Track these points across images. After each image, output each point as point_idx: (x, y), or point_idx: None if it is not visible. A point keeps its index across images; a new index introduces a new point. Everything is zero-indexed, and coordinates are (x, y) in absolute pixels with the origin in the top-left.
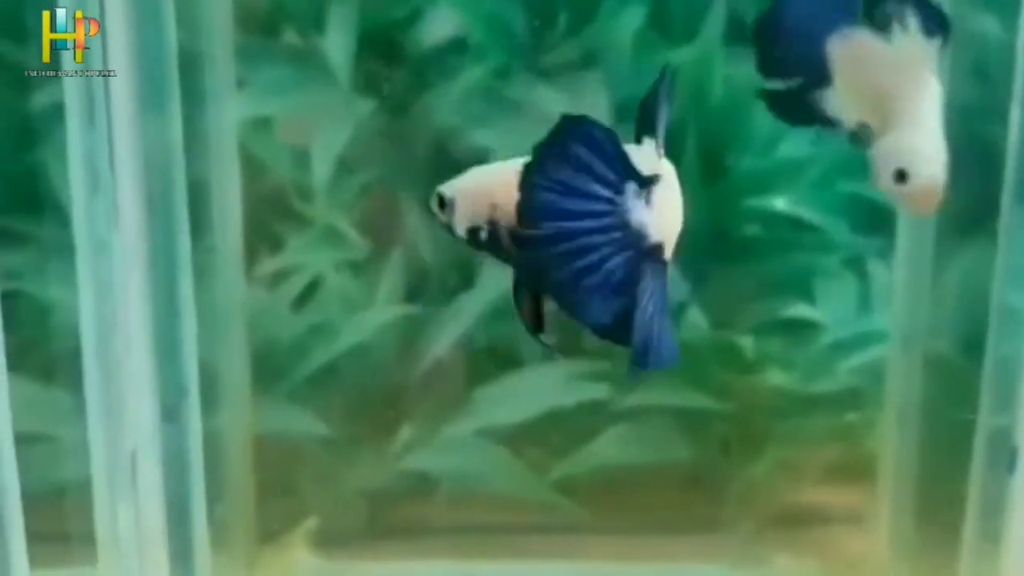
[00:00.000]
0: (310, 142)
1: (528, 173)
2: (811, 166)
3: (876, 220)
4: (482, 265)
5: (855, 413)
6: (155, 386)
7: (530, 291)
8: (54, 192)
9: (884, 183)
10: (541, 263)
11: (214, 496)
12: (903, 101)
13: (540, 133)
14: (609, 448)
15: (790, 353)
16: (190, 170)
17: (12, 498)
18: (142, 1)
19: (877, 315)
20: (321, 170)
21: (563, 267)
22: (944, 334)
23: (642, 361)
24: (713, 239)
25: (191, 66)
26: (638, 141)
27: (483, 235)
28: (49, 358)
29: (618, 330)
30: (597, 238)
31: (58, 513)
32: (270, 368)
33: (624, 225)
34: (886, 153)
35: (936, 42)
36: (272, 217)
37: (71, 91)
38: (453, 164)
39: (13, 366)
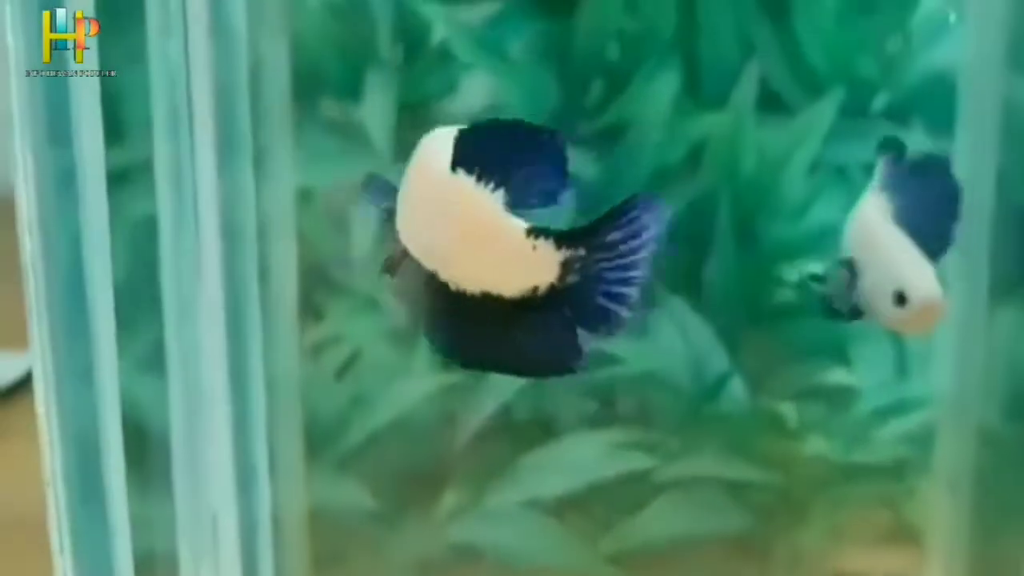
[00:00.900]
0: (350, 212)
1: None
2: (843, 231)
3: None
4: None
5: (901, 480)
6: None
7: None
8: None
9: (883, 312)
10: None
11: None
12: (882, 236)
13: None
14: (655, 518)
15: (831, 420)
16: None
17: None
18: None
19: (916, 380)
20: (361, 239)
21: None
22: (995, 399)
23: None
24: (749, 306)
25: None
26: None
27: None
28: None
29: None
30: None
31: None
32: (318, 439)
33: None
34: (880, 281)
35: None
36: (314, 287)
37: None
38: None
39: None
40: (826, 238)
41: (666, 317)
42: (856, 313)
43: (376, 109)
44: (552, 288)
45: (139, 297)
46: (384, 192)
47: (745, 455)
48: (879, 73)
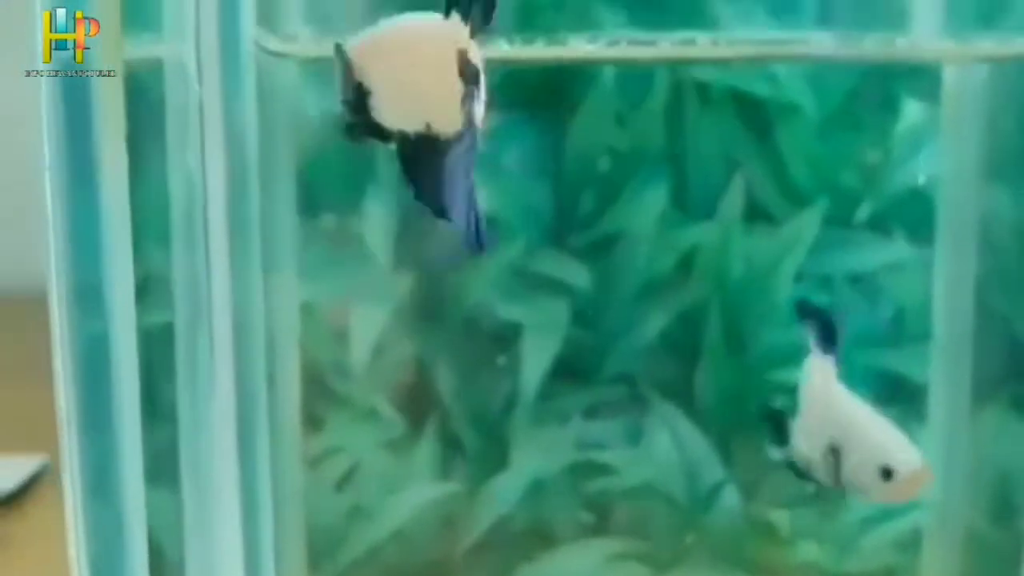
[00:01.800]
0: (349, 322)
1: None
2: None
3: (902, 391)
4: (516, 443)
5: None
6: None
7: None
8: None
9: (870, 487)
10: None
11: None
12: (849, 413)
13: (571, 309)
14: None
15: (822, 527)
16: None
17: None
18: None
19: None
20: (360, 350)
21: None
22: (981, 503)
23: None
24: (740, 413)
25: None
26: None
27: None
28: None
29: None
30: None
31: None
32: (319, 551)
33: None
34: (864, 460)
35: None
36: (314, 398)
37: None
38: (485, 339)
39: None
40: None
41: (660, 426)
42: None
43: (376, 222)
44: None
45: (153, 407)
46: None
47: (739, 564)
48: (861, 185)
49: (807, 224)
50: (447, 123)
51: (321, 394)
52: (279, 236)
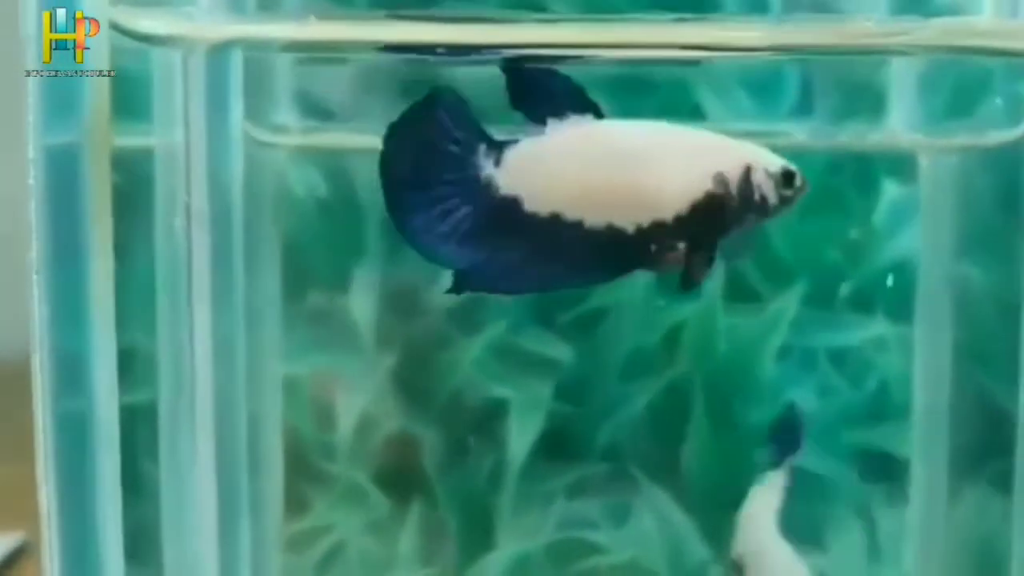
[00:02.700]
0: (335, 400)
1: (391, 130)
2: (816, 417)
3: (885, 468)
4: (502, 522)
5: None
6: None
7: None
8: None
9: None
10: (400, 212)
11: None
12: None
13: (555, 386)
14: None
15: None
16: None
17: None
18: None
19: (888, 564)
20: (345, 427)
21: (418, 214)
22: None
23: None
24: (724, 490)
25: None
26: None
27: None
28: None
29: (477, 277)
30: (447, 189)
31: None
32: None
33: (473, 180)
34: None
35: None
36: (298, 476)
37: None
38: (471, 416)
39: None
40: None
41: (645, 505)
42: None
43: (362, 299)
44: None
45: (135, 484)
46: None
47: None
48: (843, 263)
49: (789, 301)
50: None
51: (305, 474)
52: (264, 314)
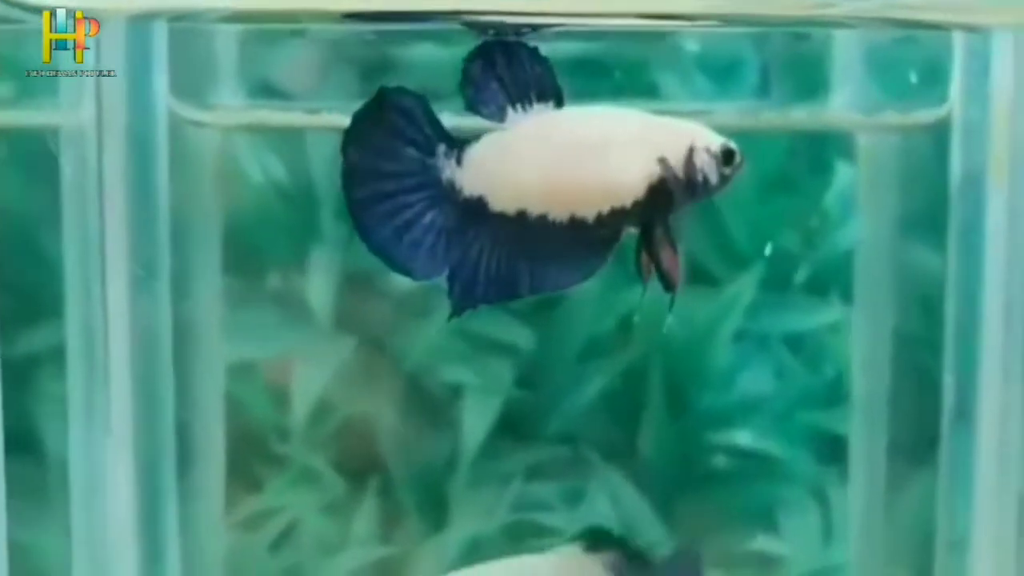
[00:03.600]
0: (291, 382)
1: (345, 139)
2: (772, 400)
3: (839, 450)
4: (457, 504)
5: None
6: None
7: None
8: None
9: None
10: (364, 226)
11: None
12: None
13: (513, 369)
14: None
15: None
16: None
17: None
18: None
19: (840, 546)
20: (301, 410)
21: (384, 226)
22: (901, 564)
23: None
24: (679, 474)
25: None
26: None
27: None
28: None
29: (470, 293)
30: (410, 197)
31: None
32: None
33: (435, 183)
34: None
35: None
36: (251, 458)
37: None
38: (427, 400)
39: None
40: (751, 407)
41: (600, 487)
42: None
43: (319, 282)
44: None
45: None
46: None
47: None
48: (798, 247)
49: (745, 286)
50: None
51: (260, 456)
52: (201, 297)
